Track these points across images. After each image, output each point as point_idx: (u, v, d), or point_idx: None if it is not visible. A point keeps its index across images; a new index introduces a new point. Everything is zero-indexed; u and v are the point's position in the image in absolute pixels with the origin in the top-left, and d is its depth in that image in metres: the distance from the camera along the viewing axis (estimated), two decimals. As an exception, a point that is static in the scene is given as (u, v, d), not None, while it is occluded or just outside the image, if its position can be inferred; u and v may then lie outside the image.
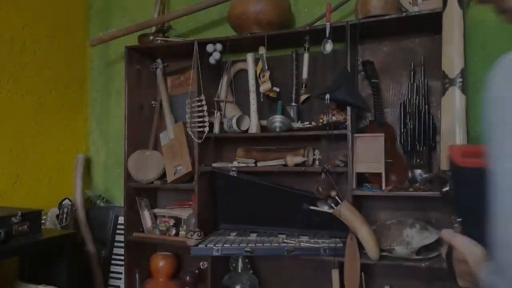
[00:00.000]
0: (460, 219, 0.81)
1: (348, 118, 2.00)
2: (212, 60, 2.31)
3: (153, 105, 2.67)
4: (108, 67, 2.91)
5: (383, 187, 1.94)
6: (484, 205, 0.67)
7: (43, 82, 2.58)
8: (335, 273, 2.00)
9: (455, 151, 0.80)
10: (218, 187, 2.34)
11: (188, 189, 2.39)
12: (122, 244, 2.53)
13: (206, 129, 2.25)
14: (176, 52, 2.54)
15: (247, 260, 2.30)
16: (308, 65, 2.18)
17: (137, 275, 2.45)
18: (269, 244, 2.07)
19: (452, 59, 1.77)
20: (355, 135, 2.02)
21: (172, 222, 2.44)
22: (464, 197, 0.81)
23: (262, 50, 2.20)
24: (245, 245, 2.04)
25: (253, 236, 2.20)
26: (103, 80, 2.93)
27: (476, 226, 0.71)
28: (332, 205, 1.97)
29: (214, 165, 2.32)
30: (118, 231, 2.66)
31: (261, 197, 2.26)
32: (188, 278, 2.38)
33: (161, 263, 2.42)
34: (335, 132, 2.02)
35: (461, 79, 1.74)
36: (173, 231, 2.42)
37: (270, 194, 2.26)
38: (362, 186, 2.02)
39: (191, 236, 2.15)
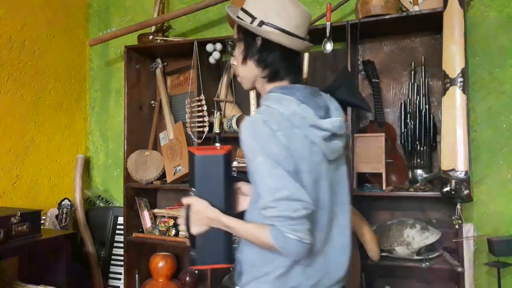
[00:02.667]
0: (195, 189, 1.19)
1: (348, 118, 1.99)
2: (212, 59, 2.30)
3: (153, 105, 2.67)
4: (107, 67, 2.91)
5: (384, 187, 1.94)
6: (210, 179, 1.20)
7: (42, 82, 2.57)
8: (335, 274, 1.99)
9: (193, 148, 1.21)
10: (218, 187, 2.35)
11: (188, 189, 2.38)
12: (122, 245, 2.52)
13: (206, 129, 2.24)
14: (175, 52, 2.53)
15: (247, 261, 2.30)
16: (308, 64, 2.16)
17: (136, 275, 2.45)
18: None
19: (453, 59, 1.77)
20: (356, 135, 2.02)
21: (171, 222, 2.43)
22: (199, 177, 1.20)
23: (262, 50, 2.19)
24: (245, 245, 2.04)
25: (253, 236, 2.19)
26: (102, 80, 2.92)
27: (205, 192, 1.18)
28: (332, 205, 1.96)
29: (214, 165, 2.31)
30: (117, 232, 2.65)
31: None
32: (187, 278, 2.37)
33: (160, 263, 2.41)
34: (335, 132, 2.01)
35: (461, 79, 1.73)
36: (173, 232, 2.41)
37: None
38: (362, 186, 2.01)
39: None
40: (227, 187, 1.22)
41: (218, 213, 1.16)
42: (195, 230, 1.18)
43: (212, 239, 1.18)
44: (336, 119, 1.16)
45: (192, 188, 1.19)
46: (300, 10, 1.15)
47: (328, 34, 1.99)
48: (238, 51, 1.22)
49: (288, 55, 1.17)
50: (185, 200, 1.19)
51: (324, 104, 1.20)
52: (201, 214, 1.17)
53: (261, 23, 1.13)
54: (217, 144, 1.20)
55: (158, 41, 2.44)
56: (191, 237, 1.19)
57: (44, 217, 2.45)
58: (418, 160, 2.06)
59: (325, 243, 1.14)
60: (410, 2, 2.01)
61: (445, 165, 1.73)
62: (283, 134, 1.05)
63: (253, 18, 1.15)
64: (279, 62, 1.16)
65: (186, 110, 2.31)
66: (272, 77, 1.18)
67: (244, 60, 1.19)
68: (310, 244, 1.03)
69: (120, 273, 2.59)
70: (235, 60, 1.23)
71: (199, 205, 1.17)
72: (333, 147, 1.14)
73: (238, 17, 1.18)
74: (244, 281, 1.18)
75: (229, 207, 1.21)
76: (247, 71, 1.21)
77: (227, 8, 1.27)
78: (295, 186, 1.02)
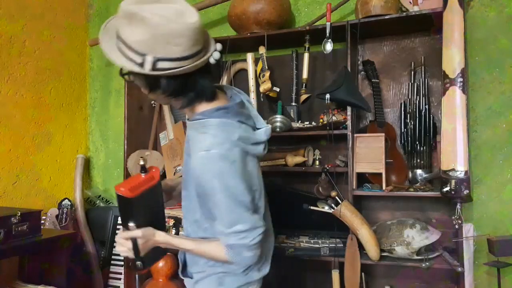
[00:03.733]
0: (133, 223, 1.15)
1: (348, 118, 1.99)
2: (211, 59, 2.28)
3: (153, 105, 2.66)
4: (107, 67, 2.91)
5: (384, 187, 1.94)
6: (148, 208, 1.20)
7: (42, 82, 2.57)
8: (335, 274, 1.99)
9: (123, 190, 1.15)
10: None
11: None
12: (122, 244, 2.52)
13: (206, 129, 2.24)
14: (176, 52, 2.52)
15: (247, 261, 2.30)
16: (308, 64, 2.17)
17: (136, 275, 2.45)
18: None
19: (453, 59, 1.77)
20: (355, 135, 2.02)
21: (171, 222, 2.43)
22: (136, 211, 1.16)
23: (262, 50, 2.20)
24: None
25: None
26: (102, 80, 2.92)
27: (145, 220, 1.17)
28: (332, 205, 1.96)
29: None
30: (117, 231, 2.65)
31: (261, 197, 2.27)
32: (188, 278, 2.37)
33: (160, 263, 2.40)
34: (335, 132, 2.01)
35: (461, 79, 1.73)
36: (173, 231, 2.41)
37: (269, 194, 2.24)
38: (362, 186, 2.01)
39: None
40: (163, 206, 1.28)
41: (165, 236, 1.19)
42: (144, 253, 1.18)
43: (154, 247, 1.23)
44: (267, 128, 1.26)
45: (130, 224, 1.16)
46: (181, 26, 1.01)
47: (328, 34, 2.00)
48: (143, 88, 1.17)
49: (201, 74, 1.14)
50: (128, 235, 1.15)
51: (247, 112, 1.24)
52: (150, 242, 1.18)
53: (155, 61, 1.02)
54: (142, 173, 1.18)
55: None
56: (136, 253, 1.18)
57: (44, 217, 2.45)
58: (418, 160, 2.06)
59: (266, 223, 1.23)
60: (410, 2, 2.01)
61: (445, 165, 1.73)
62: (239, 163, 1.09)
63: (142, 55, 1.03)
64: (195, 86, 1.12)
65: (186, 110, 2.31)
66: (196, 101, 1.15)
67: (155, 96, 1.17)
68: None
69: (120, 273, 2.59)
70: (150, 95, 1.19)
71: (146, 235, 1.16)
72: (262, 149, 1.25)
73: (124, 55, 1.08)
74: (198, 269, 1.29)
75: (164, 222, 1.31)
76: (167, 101, 1.21)
77: (102, 36, 1.14)
78: (252, 218, 1.12)
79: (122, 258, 2.50)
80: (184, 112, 1.27)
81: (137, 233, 1.15)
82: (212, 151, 1.06)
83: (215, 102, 1.18)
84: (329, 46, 2.02)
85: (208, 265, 1.25)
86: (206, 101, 1.17)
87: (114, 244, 2.65)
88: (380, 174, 1.96)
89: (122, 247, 1.17)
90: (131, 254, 1.17)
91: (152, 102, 2.66)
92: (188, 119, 1.26)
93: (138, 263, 1.19)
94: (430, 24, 1.99)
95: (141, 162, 1.19)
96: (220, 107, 1.15)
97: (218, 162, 1.06)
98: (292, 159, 2.11)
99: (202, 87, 1.14)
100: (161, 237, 1.19)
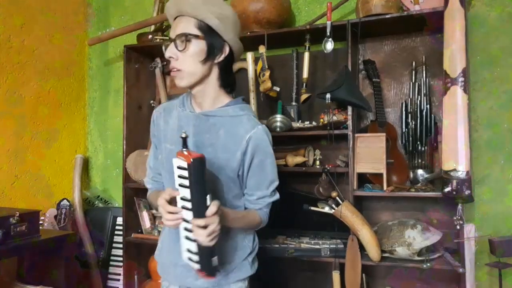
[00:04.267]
0: (198, 196, 1.07)
1: (349, 117, 1.98)
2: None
3: (152, 104, 2.65)
4: (106, 67, 2.90)
5: (384, 188, 1.93)
6: (204, 181, 1.10)
7: (41, 81, 2.56)
8: (336, 275, 1.98)
9: (180, 155, 1.09)
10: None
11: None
12: (121, 245, 2.51)
13: (206, 129, 2.23)
14: (175, 51, 2.51)
15: (247, 261, 2.29)
16: (308, 64, 2.16)
17: (135, 276, 2.43)
18: (270, 245, 2.05)
19: (454, 59, 1.76)
20: (356, 135, 2.00)
21: (171, 222, 2.42)
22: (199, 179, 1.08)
23: (262, 49, 2.18)
24: (245, 246, 2.03)
25: (253, 237, 2.19)
26: (101, 80, 2.91)
27: (202, 195, 1.08)
28: (333, 205, 1.95)
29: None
30: (116, 232, 2.64)
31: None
32: (187, 279, 2.36)
33: (160, 264, 2.40)
34: (336, 132, 2.00)
35: (462, 79, 1.72)
36: (172, 232, 2.40)
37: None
38: (363, 187, 2.00)
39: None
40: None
41: (231, 210, 1.24)
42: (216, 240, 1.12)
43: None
44: None
45: (208, 196, 1.06)
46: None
47: (328, 34, 1.99)
48: (184, 46, 1.20)
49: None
50: (215, 208, 1.08)
51: None
52: (224, 221, 1.14)
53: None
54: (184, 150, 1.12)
55: (158, 40, 2.43)
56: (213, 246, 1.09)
57: (43, 218, 2.44)
58: (419, 160, 2.05)
59: None
60: (411, 1, 2.00)
61: (446, 165, 1.72)
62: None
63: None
64: (233, 74, 1.34)
65: (186, 110, 2.30)
66: (231, 89, 1.33)
67: (205, 60, 1.22)
68: None
69: (119, 274, 2.58)
70: (182, 54, 1.21)
71: (225, 211, 1.18)
72: None
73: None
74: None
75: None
76: (201, 71, 1.23)
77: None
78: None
79: (121, 259, 2.49)
80: (201, 102, 1.30)
81: (219, 206, 1.10)
82: (263, 126, 1.29)
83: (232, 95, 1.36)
84: (329, 46, 2.00)
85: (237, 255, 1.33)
86: (229, 93, 1.34)
87: (113, 245, 2.65)
88: (381, 174, 1.94)
89: (211, 227, 1.07)
90: (215, 239, 1.08)
91: (152, 101, 2.65)
92: (201, 112, 1.29)
93: (215, 258, 1.08)
94: (423, 24, 1.99)
95: (183, 135, 1.11)
96: (243, 97, 1.36)
97: (268, 133, 1.29)
98: (293, 159, 2.10)
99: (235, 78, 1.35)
100: (229, 212, 1.22)
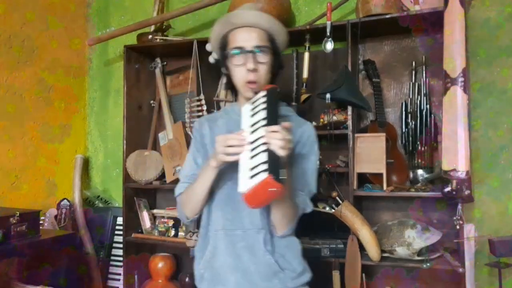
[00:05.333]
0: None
1: (349, 117, 1.98)
2: (211, 59, 2.28)
3: (152, 104, 2.65)
4: (106, 67, 2.90)
5: (384, 188, 1.93)
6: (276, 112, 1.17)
7: (41, 81, 2.56)
8: (336, 274, 1.98)
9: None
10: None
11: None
12: (121, 245, 2.51)
13: (206, 129, 2.23)
14: (175, 51, 2.52)
15: (247, 261, 2.29)
16: (308, 64, 2.16)
17: (136, 276, 2.43)
18: (269, 245, 2.04)
19: (454, 59, 1.76)
20: (356, 135, 2.01)
21: (171, 223, 2.42)
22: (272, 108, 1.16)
23: (262, 49, 2.18)
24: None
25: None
26: (101, 80, 2.91)
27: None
28: (333, 205, 1.95)
29: (213, 165, 2.30)
30: (116, 232, 2.64)
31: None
32: (187, 279, 2.36)
33: (160, 264, 2.40)
34: (336, 132, 2.00)
35: (462, 79, 1.72)
36: (172, 232, 2.40)
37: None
38: (363, 187, 2.00)
39: (191, 237, 2.13)
40: None
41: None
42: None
43: None
44: None
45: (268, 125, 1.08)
46: None
47: (328, 34, 1.99)
48: (267, 59, 1.27)
49: None
50: (288, 124, 1.11)
51: None
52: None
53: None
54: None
55: (158, 40, 2.43)
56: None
57: (43, 218, 2.44)
58: (419, 160, 2.05)
59: None
60: (411, 1, 2.00)
61: (446, 165, 1.72)
62: None
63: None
64: None
65: (186, 110, 2.30)
66: None
67: (273, 73, 1.32)
68: None
69: (120, 274, 2.58)
70: (262, 65, 1.26)
71: None
72: None
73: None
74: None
75: None
76: (267, 82, 1.30)
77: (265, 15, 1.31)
78: None
79: (121, 259, 2.49)
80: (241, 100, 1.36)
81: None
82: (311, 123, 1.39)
83: None
84: (329, 46, 2.00)
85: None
86: None
87: (113, 245, 2.64)
88: (381, 174, 1.95)
89: (284, 132, 1.05)
90: (286, 149, 1.05)
91: (152, 102, 2.65)
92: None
93: (284, 170, 1.08)
94: (431, 24, 1.98)
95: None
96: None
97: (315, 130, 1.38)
98: (292, 159, 2.10)
99: None
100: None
